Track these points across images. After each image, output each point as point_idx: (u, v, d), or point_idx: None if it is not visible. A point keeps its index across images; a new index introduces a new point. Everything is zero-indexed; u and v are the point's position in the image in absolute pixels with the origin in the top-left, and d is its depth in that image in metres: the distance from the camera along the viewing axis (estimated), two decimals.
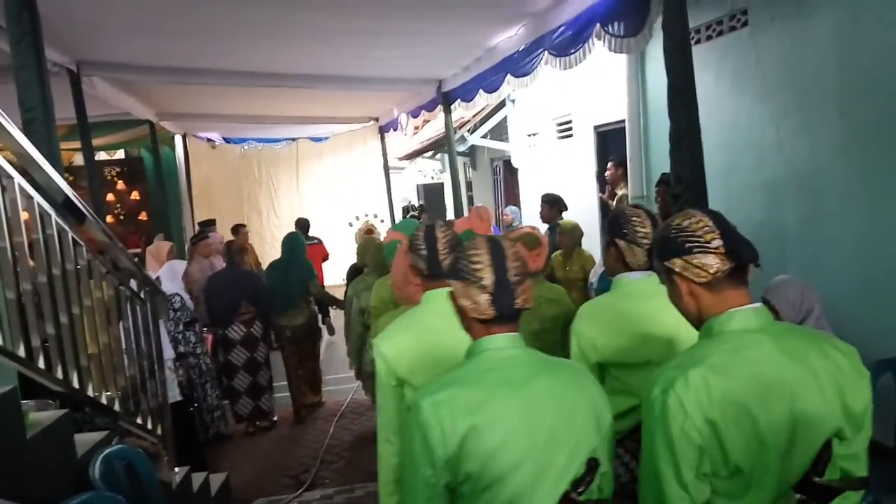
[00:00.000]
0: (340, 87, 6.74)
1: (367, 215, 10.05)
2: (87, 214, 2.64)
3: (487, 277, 1.44)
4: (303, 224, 7.80)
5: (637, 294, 2.02)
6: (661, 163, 4.91)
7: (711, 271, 1.37)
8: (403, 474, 1.52)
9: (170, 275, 5.02)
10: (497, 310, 1.44)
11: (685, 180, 3.01)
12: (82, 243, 2.54)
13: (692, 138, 3.00)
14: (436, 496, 1.41)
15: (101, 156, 10.99)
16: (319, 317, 6.01)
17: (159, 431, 2.99)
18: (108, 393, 2.58)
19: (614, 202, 5.46)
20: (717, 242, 1.37)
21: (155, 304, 3.16)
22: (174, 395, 4.08)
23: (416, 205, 13.39)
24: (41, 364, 2.08)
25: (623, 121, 5.32)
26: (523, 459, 1.38)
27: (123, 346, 2.83)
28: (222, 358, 5.25)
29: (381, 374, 1.92)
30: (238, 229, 7.52)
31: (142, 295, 3.04)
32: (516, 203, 8.98)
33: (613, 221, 2.09)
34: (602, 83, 5.96)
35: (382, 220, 9.74)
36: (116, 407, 2.59)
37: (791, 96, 3.73)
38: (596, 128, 6.32)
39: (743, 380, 1.33)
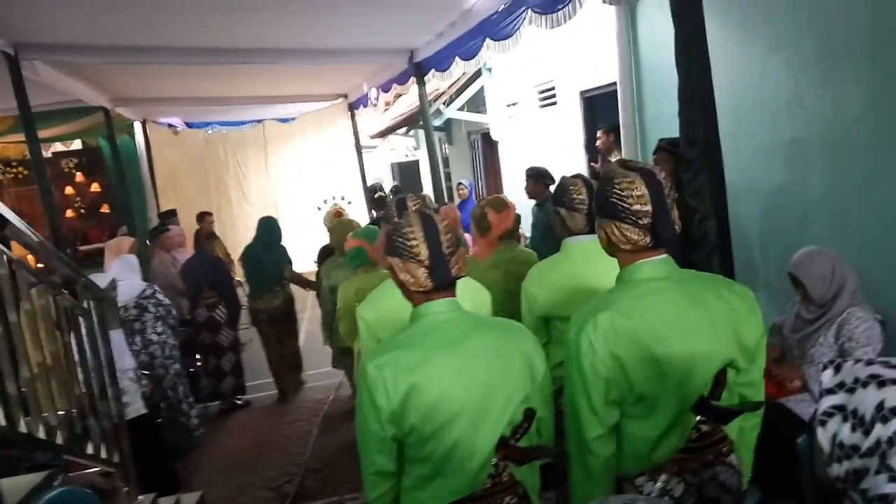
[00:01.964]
0: (306, 60, 6.27)
1: (334, 198, 9.70)
2: (10, 219, 2.24)
3: (423, 252, 1.56)
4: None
5: (580, 255, 2.28)
6: (657, 127, 4.57)
7: (631, 243, 1.59)
8: (358, 429, 1.62)
9: (125, 267, 4.58)
10: (434, 281, 1.57)
11: (698, 143, 2.68)
12: (5, 250, 2.14)
13: (705, 96, 2.66)
14: (385, 448, 1.58)
15: (58, 147, 10.48)
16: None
17: (116, 458, 2.61)
18: (48, 422, 2.20)
19: None
20: (646, 220, 1.55)
21: (103, 312, 2.76)
22: (138, 408, 3.70)
23: (384, 186, 12.91)
24: None
25: (613, 84, 4.96)
26: (461, 410, 1.54)
27: (64, 364, 2.44)
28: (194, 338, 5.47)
29: (364, 337, 2.25)
30: (203, 217, 7.12)
31: (85, 304, 2.64)
32: (497, 178, 8.64)
33: (556, 191, 2.36)
34: (588, 45, 5.56)
35: (350, 202, 9.38)
36: (59, 439, 2.20)
37: (812, 45, 3.31)
38: (582, 93, 5.92)
39: (645, 321, 1.56)
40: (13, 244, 2.30)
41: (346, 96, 9.37)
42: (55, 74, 5.75)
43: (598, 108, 5.79)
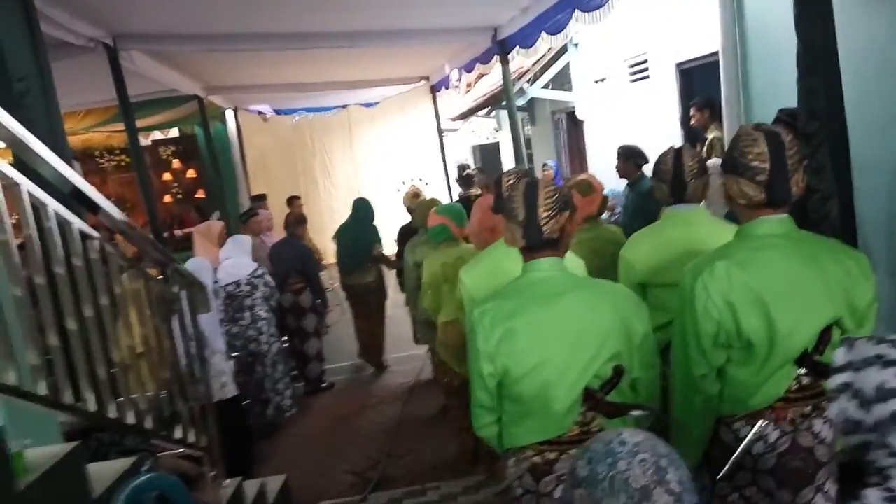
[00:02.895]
0: (388, 42, 6.20)
1: (412, 179, 9.69)
2: (102, 204, 2.27)
3: (521, 214, 1.74)
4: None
5: (682, 222, 2.33)
6: (765, 101, 4.17)
7: (747, 198, 1.71)
8: (470, 367, 1.83)
9: (236, 247, 4.79)
10: (527, 240, 1.75)
11: (819, 115, 2.39)
12: (95, 235, 2.17)
13: (828, 63, 2.36)
14: (484, 384, 1.77)
15: (157, 135, 10.98)
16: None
17: (204, 442, 2.64)
18: (138, 406, 2.23)
19: (704, 148, 4.75)
20: (763, 177, 1.66)
21: (193, 297, 2.79)
22: (230, 389, 3.78)
23: (472, 166, 12.83)
24: (41, 388, 1.72)
25: (713, 54, 4.57)
26: (548, 358, 1.70)
27: (155, 348, 2.48)
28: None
29: (465, 299, 2.45)
30: (293, 201, 7.29)
31: (175, 289, 2.67)
32: (582, 158, 8.33)
33: (653, 167, 2.44)
34: (685, 13, 5.15)
35: (427, 184, 9.34)
36: (148, 423, 2.23)
37: None
38: (678, 65, 5.50)
39: (759, 273, 1.66)
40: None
41: (427, 79, 9.28)
42: (151, 64, 5.95)
43: (697, 82, 5.39)
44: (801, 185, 1.70)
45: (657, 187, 2.40)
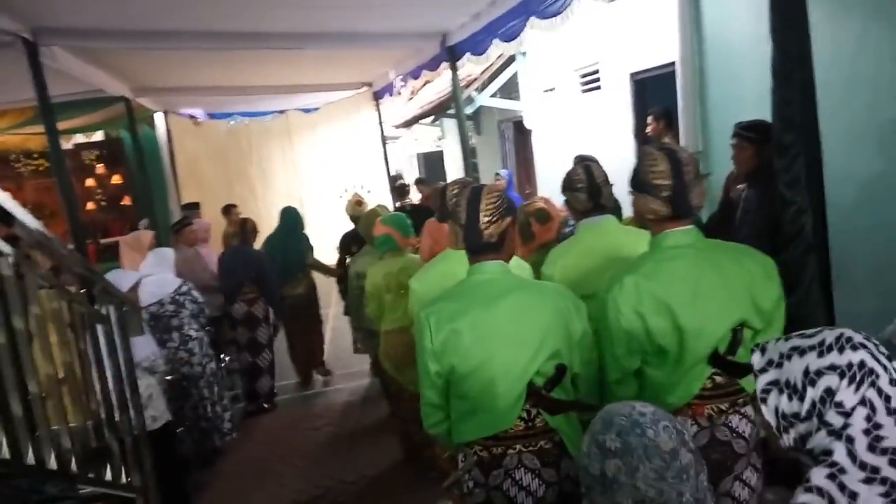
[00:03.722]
0: (332, 45, 5.97)
1: (354, 187, 9.49)
2: (17, 215, 1.97)
3: (462, 217, 1.86)
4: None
5: (594, 233, 2.46)
6: (722, 111, 4.18)
7: (654, 213, 1.84)
8: (419, 367, 1.92)
9: (159, 262, 4.40)
10: (467, 243, 1.88)
11: (794, 126, 2.34)
12: (7, 250, 1.87)
13: (804, 72, 2.32)
14: (432, 383, 1.87)
15: (79, 138, 10.35)
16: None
17: (137, 481, 2.34)
18: (61, 444, 1.94)
19: None
20: (666, 193, 1.80)
21: (123, 319, 2.49)
22: (162, 417, 3.44)
23: (406, 177, 12.69)
24: None
25: (669, 65, 4.58)
26: (491, 356, 1.80)
27: (79, 376, 2.17)
28: (231, 334, 5.43)
29: (414, 304, 2.53)
30: (229, 209, 6.87)
31: (104, 310, 2.37)
32: (529, 169, 8.29)
33: (563, 182, 2.57)
34: (640, 22, 5.16)
35: (370, 192, 9.14)
36: (73, 465, 1.93)
37: None
38: (633, 75, 5.52)
39: (664, 282, 1.80)
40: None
41: (370, 85, 9.11)
42: (75, 62, 5.52)
43: (650, 92, 5.40)
44: (701, 199, 1.87)
45: (572, 198, 2.51)
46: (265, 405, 5.43)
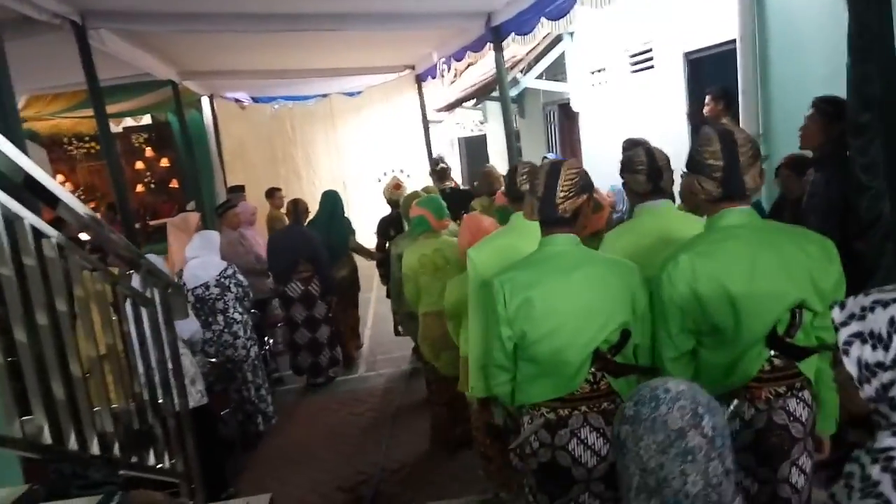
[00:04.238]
0: (374, 26, 5.87)
1: (393, 171, 9.43)
2: (61, 196, 1.95)
3: (540, 190, 1.94)
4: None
5: (653, 216, 2.40)
6: (786, 90, 3.95)
7: (706, 193, 1.87)
8: (487, 334, 2.06)
9: (204, 244, 4.42)
10: (541, 215, 1.95)
11: (873, 105, 2.16)
12: (52, 233, 1.85)
13: (884, 47, 2.14)
14: (502, 346, 1.96)
15: (128, 122, 10.56)
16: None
17: (180, 467, 2.33)
18: (104, 428, 1.93)
19: None
20: (718, 174, 1.82)
21: (167, 301, 2.48)
22: (199, 399, 3.45)
23: (445, 160, 12.57)
24: None
25: (727, 42, 4.34)
26: (562, 324, 1.90)
27: (123, 359, 2.16)
28: (284, 313, 5.57)
29: (471, 276, 2.51)
30: (273, 193, 6.89)
31: (147, 293, 2.35)
32: (576, 153, 8.07)
33: (622, 163, 2.50)
34: (693, 1, 4.90)
35: (409, 176, 9.09)
36: (115, 452, 1.92)
37: None
38: (687, 55, 5.26)
39: (721, 261, 1.82)
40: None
41: (413, 67, 9.03)
42: (122, 45, 5.57)
43: (706, 72, 5.14)
44: (758, 181, 1.84)
45: (631, 180, 2.43)
46: (332, 375, 5.59)
